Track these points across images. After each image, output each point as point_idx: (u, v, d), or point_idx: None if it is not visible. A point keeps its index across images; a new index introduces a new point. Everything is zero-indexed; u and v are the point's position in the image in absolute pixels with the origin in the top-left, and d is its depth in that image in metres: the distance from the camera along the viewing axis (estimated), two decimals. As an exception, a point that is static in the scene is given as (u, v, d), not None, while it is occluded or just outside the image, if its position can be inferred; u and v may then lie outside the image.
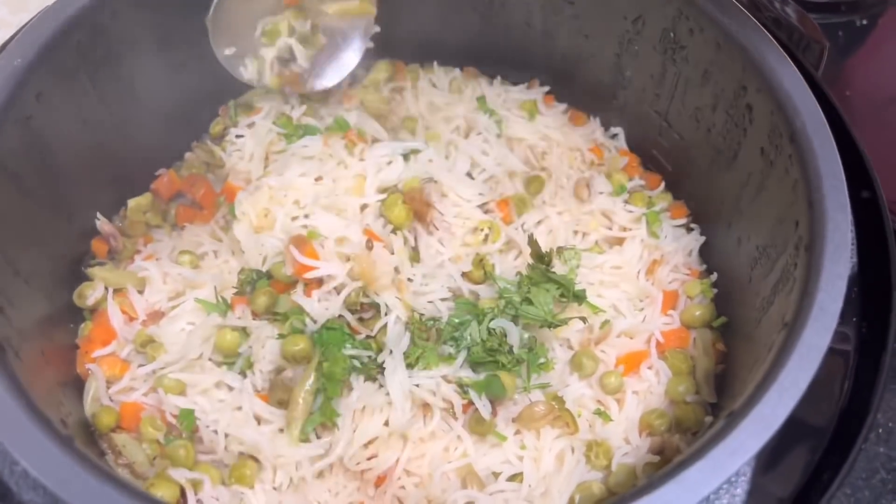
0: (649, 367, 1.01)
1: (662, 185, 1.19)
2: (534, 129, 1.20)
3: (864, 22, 1.40)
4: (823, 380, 0.76)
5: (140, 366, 0.99)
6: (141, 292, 1.05)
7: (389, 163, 1.09)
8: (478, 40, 1.25)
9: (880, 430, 1.15)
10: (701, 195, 1.13)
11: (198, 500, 0.89)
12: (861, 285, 0.90)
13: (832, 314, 0.73)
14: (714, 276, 1.08)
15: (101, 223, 1.08)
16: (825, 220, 0.79)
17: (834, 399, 0.83)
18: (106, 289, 1.04)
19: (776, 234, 0.90)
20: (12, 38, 0.94)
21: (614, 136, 1.25)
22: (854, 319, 0.89)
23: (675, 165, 1.17)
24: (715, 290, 1.07)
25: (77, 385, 0.98)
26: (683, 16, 1.01)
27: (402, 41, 1.22)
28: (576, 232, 1.13)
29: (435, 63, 1.28)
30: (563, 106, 1.25)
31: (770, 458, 0.78)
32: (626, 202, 1.16)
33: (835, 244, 0.78)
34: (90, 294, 1.02)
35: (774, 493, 0.78)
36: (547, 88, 1.26)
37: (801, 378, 0.71)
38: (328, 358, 0.92)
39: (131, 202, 1.14)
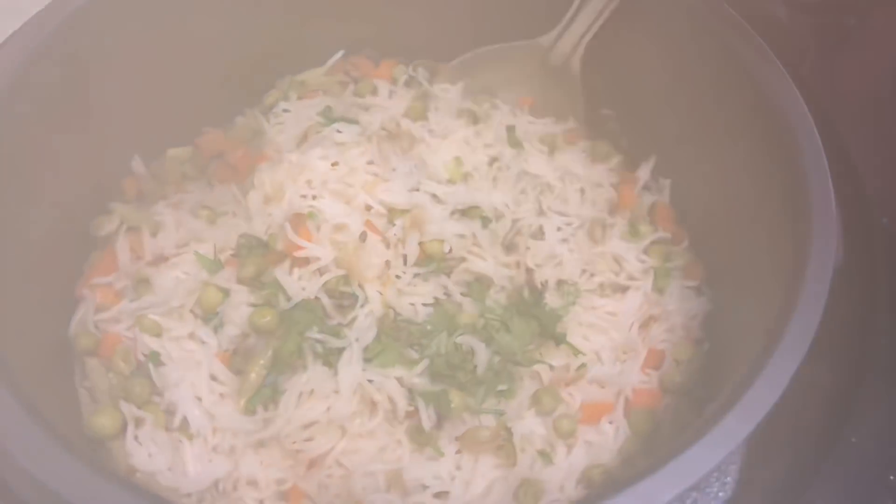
0: (610, 422, 0.98)
1: (686, 242, 1.14)
2: (553, 167, 1.18)
3: (853, 22, 1.42)
4: (811, 372, 0.77)
5: (132, 300, 1.05)
6: (155, 235, 1.12)
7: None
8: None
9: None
10: (715, 261, 1.08)
11: (135, 437, 0.93)
12: (846, 277, 0.90)
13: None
14: (706, 347, 1.03)
15: (136, 164, 1.16)
16: (797, 301, 0.74)
17: (822, 390, 0.86)
18: (122, 224, 1.11)
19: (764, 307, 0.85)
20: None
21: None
22: (842, 314, 0.88)
23: (701, 225, 1.12)
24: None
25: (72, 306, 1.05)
26: (726, 68, 0.97)
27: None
28: (584, 271, 1.10)
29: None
30: (585, 143, 1.23)
31: (759, 448, 0.79)
32: (645, 252, 1.12)
33: (802, 326, 0.73)
34: (105, 225, 1.10)
35: (764, 481, 0.80)
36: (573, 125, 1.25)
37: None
38: (282, 335, 0.95)
39: (171, 151, 1.21)
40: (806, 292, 0.74)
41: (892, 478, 1.16)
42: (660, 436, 0.97)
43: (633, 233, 1.13)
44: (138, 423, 0.94)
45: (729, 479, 0.74)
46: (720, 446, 0.68)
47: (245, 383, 0.95)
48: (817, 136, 0.86)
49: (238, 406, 0.94)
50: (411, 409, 0.94)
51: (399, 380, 0.95)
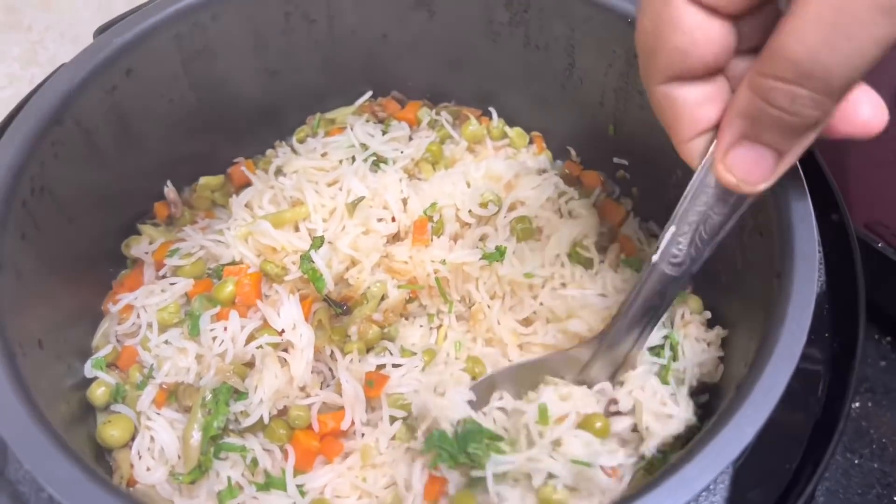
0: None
1: (690, 288, 1.15)
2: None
3: None
4: (799, 392, 0.84)
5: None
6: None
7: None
8: (551, 110, 1.29)
9: (874, 446, 1.22)
10: (716, 299, 1.09)
11: (137, 451, 0.99)
12: (832, 303, 0.93)
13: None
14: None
15: (168, 190, 1.23)
16: (766, 365, 0.76)
17: (810, 411, 0.87)
18: (150, 244, 1.18)
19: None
20: (28, 97, 1.01)
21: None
22: (826, 335, 0.91)
23: (704, 275, 1.13)
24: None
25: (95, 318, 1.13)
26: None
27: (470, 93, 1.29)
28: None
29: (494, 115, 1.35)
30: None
31: (748, 467, 0.81)
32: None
33: (765, 390, 0.74)
34: (135, 246, 1.17)
35: (753, 500, 0.81)
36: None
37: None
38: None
39: (202, 179, 1.28)
40: (788, 322, 0.77)
41: (895, 498, 1.17)
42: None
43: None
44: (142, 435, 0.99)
45: (717, 497, 0.76)
46: (708, 469, 0.69)
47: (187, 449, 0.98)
48: (803, 178, 0.88)
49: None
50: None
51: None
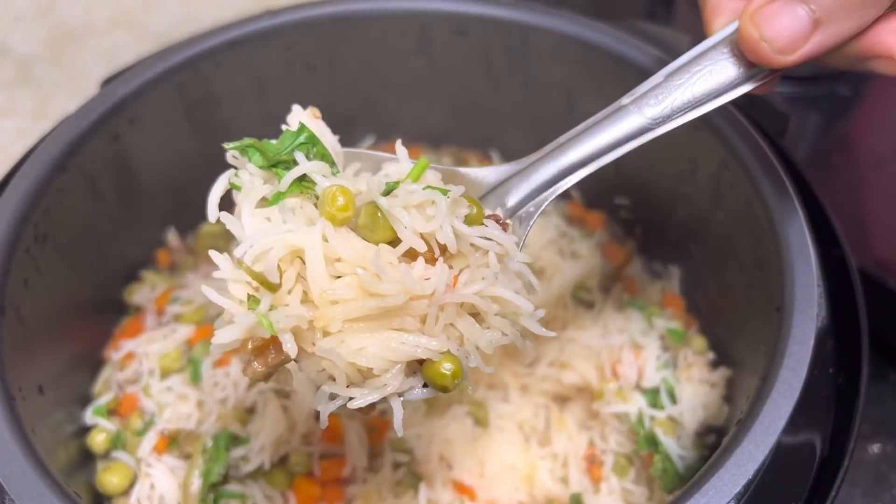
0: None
1: (694, 328, 1.14)
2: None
3: (848, 93, 1.48)
4: (803, 428, 0.83)
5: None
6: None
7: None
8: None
9: (895, 491, 1.16)
10: (721, 351, 1.08)
11: (137, 498, 0.98)
12: (836, 338, 0.90)
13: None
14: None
15: (171, 237, 1.24)
16: (767, 400, 0.75)
17: (814, 447, 0.84)
18: (152, 291, 1.18)
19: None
20: (34, 147, 1.02)
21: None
22: (831, 371, 0.88)
23: (709, 314, 1.13)
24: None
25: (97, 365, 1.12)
26: (725, 165, 1.00)
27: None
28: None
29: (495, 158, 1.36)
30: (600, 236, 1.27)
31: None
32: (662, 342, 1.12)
33: (766, 425, 0.73)
34: (137, 293, 1.17)
35: None
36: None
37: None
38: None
39: (205, 227, 1.29)
40: (788, 356, 0.77)
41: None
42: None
43: (647, 322, 1.13)
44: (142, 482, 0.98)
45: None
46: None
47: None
48: (800, 212, 0.89)
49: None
50: None
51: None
